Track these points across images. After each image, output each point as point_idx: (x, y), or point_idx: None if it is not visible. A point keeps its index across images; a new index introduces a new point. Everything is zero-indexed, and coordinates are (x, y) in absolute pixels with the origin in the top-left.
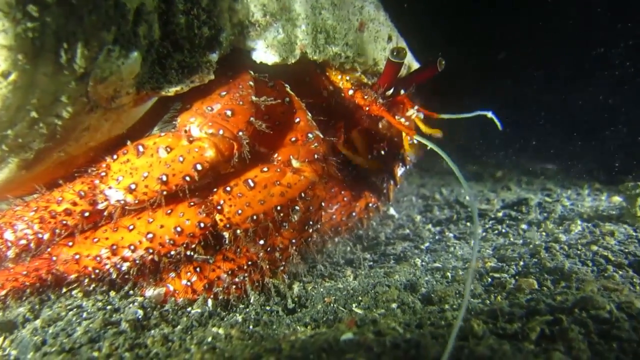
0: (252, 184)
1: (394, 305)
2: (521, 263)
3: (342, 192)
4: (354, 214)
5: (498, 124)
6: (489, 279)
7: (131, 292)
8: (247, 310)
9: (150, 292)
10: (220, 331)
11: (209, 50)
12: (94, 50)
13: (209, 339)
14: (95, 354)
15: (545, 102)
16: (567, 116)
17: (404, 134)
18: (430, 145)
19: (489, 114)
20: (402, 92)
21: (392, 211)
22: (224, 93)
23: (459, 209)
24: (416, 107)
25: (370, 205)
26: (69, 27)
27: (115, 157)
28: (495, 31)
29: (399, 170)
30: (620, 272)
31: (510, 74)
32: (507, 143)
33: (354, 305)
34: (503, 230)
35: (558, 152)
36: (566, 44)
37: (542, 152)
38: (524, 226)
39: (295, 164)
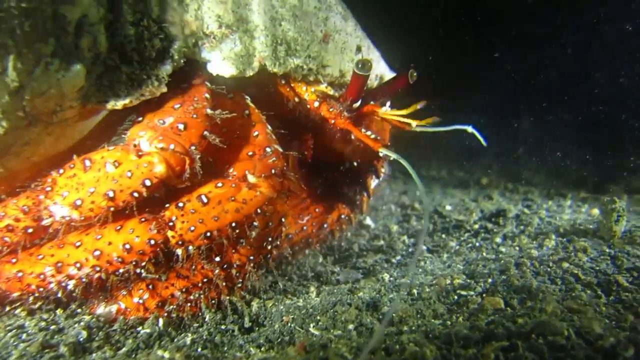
0: (205, 200)
1: (351, 327)
2: (489, 280)
3: (314, 204)
4: (325, 225)
5: (481, 139)
6: (455, 297)
7: (79, 310)
8: (201, 329)
9: (100, 309)
10: (166, 355)
11: (161, 62)
12: (30, 63)
13: None
14: None
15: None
16: (561, 117)
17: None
18: (394, 157)
19: (469, 129)
20: (372, 103)
21: (368, 221)
22: (178, 106)
23: (437, 219)
24: (388, 104)
25: (343, 216)
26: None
27: (61, 171)
28: (487, 34)
29: (372, 182)
30: (588, 292)
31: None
32: (494, 147)
33: (311, 325)
34: (477, 244)
35: (548, 157)
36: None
37: (531, 155)
38: (498, 240)
39: (251, 179)
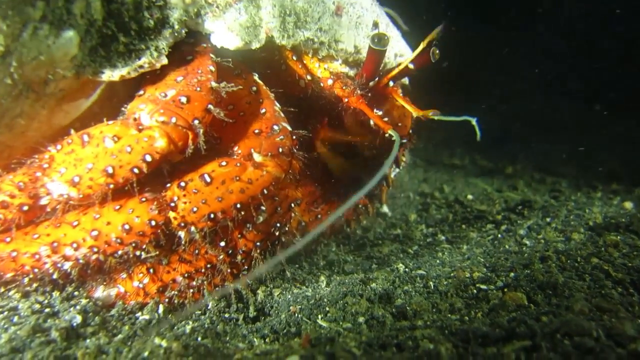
0: (208, 179)
1: (361, 319)
2: (512, 274)
3: (329, 191)
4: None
5: (478, 133)
6: (474, 291)
7: (76, 293)
8: (203, 317)
9: (98, 293)
10: (163, 343)
11: (160, 32)
12: (16, 27)
13: (146, 354)
14: None
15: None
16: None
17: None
18: (396, 139)
19: (473, 121)
20: (391, 83)
21: (385, 209)
22: (181, 78)
23: (458, 208)
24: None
25: (360, 206)
26: None
27: (59, 147)
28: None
29: (392, 172)
30: (620, 290)
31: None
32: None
33: (320, 316)
34: (499, 236)
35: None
36: None
37: (559, 146)
38: (522, 232)
39: (257, 157)
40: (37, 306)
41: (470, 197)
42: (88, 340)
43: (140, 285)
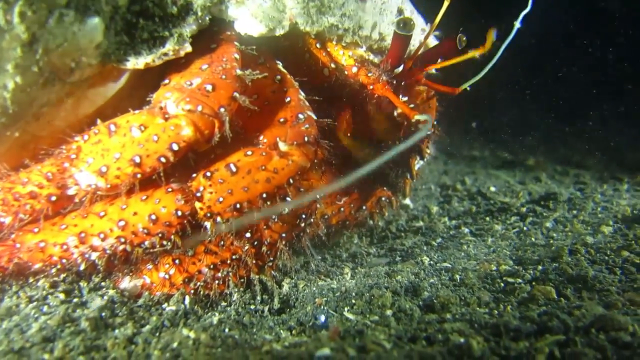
0: (234, 169)
1: (388, 312)
2: (540, 267)
3: (352, 183)
4: (364, 207)
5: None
6: (502, 284)
7: (103, 283)
8: (229, 309)
9: (125, 283)
10: (191, 334)
11: (184, 19)
12: (42, 13)
13: (175, 344)
14: (46, 356)
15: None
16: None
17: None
18: (426, 119)
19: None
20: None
21: (407, 201)
22: (206, 66)
23: (481, 201)
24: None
25: (383, 199)
26: None
27: (86, 137)
28: None
29: (416, 164)
30: None
31: None
32: (541, 125)
33: (346, 309)
34: (525, 229)
35: (600, 138)
36: None
37: (581, 137)
38: (548, 224)
39: (282, 146)
40: (66, 296)
41: (492, 189)
42: (117, 331)
43: (166, 276)
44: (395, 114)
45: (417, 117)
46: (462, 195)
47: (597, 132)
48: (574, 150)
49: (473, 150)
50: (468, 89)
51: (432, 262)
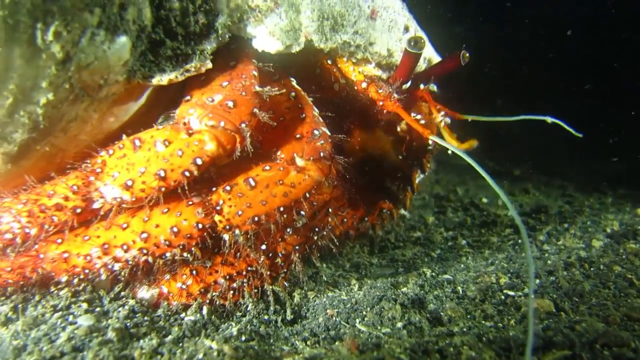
0: (253, 183)
1: (399, 325)
2: (537, 281)
3: (355, 196)
4: (366, 219)
5: (572, 130)
6: (502, 297)
7: (122, 293)
8: (244, 319)
9: (143, 293)
10: (214, 345)
11: (205, 37)
12: (76, 33)
13: (201, 355)
14: None
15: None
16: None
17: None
18: (451, 149)
19: (550, 120)
20: (422, 86)
21: (403, 211)
22: (226, 83)
23: (474, 212)
24: (443, 113)
25: (385, 211)
26: (46, 6)
27: (111, 152)
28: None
29: (417, 178)
30: None
31: None
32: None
33: (357, 320)
34: (519, 241)
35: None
36: None
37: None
38: (542, 237)
39: (299, 162)
40: (88, 306)
41: (485, 200)
42: (142, 341)
43: (184, 287)
44: (398, 129)
45: (432, 137)
46: (456, 205)
47: (578, 142)
48: (555, 159)
49: (459, 159)
50: (469, 119)
51: (433, 273)
